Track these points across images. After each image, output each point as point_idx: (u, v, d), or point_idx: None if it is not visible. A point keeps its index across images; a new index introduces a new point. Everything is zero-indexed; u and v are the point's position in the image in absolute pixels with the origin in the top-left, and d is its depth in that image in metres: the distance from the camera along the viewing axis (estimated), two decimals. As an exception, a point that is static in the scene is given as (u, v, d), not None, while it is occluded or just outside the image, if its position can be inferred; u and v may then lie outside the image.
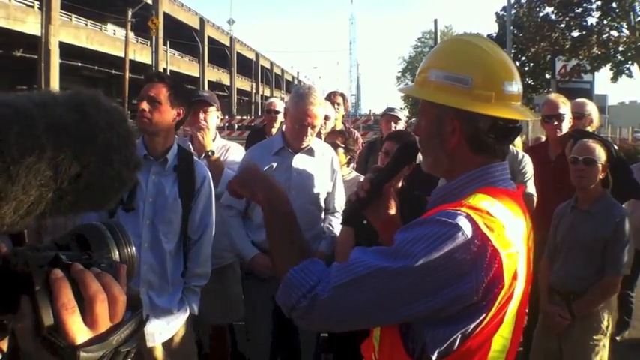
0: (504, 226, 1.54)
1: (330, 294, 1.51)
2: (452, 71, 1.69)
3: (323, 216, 4.09)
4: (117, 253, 1.01)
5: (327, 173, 3.99)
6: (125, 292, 0.93)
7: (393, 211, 2.02)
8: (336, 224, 3.99)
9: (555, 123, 4.90)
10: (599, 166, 3.82)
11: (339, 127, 6.54)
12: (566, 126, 4.92)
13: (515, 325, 1.67)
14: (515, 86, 1.72)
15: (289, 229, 1.75)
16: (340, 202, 4.06)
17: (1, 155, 0.80)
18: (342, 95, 6.85)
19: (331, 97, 6.62)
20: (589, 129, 5.21)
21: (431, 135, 1.74)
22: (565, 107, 4.95)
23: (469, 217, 1.50)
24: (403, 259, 1.48)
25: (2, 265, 0.90)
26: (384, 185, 1.98)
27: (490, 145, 1.68)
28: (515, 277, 1.55)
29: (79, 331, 0.86)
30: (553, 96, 5.20)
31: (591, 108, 5.37)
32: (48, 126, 0.85)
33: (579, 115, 5.21)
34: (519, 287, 1.59)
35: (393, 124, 5.83)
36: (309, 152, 3.95)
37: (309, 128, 3.81)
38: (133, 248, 1.03)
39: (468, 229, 1.48)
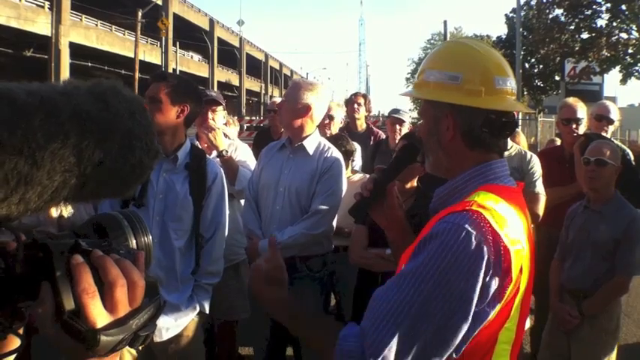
0: (510, 223, 1.58)
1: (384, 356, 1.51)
2: (444, 70, 1.76)
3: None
4: (134, 241, 1.04)
5: (316, 174, 3.86)
6: (143, 279, 0.95)
7: (397, 210, 2.07)
8: (307, 225, 3.80)
9: (573, 126, 5.01)
10: (611, 167, 3.82)
11: (363, 126, 6.59)
12: (582, 129, 5.03)
13: (520, 317, 1.71)
14: (508, 82, 1.77)
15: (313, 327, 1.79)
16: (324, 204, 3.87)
17: (27, 141, 0.82)
18: (364, 96, 6.91)
19: (352, 98, 6.70)
20: (610, 131, 5.24)
21: (430, 134, 1.80)
22: (582, 111, 5.09)
23: (479, 216, 1.54)
24: (424, 283, 1.50)
25: (24, 253, 0.91)
26: (388, 185, 2.03)
27: (484, 139, 1.74)
28: (521, 271, 1.59)
29: (99, 316, 0.88)
30: (571, 100, 5.28)
31: (614, 112, 5.36)
32: (72, 114, 0.87)
33: (600, 117, 5.23)
34: (524, 282, 1.63)
35: (397, 126, 5.88)
36: (304, 150, 3.89)
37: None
38: (150, 237, 1.07)
39: (478, 230, 1.51)
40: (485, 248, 1.50)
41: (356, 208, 2.05)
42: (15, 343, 1.02)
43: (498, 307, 1.56)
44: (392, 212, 2.06)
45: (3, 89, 0.83)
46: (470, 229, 1.51)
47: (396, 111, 6.25)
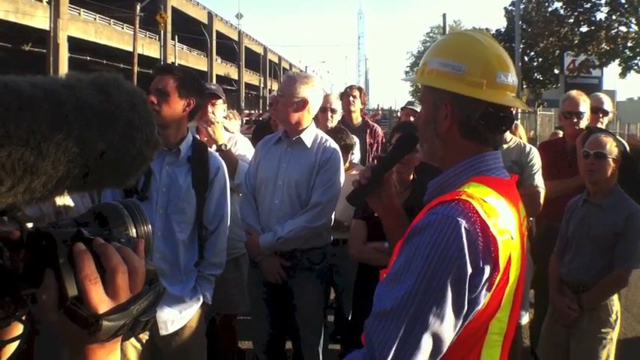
0: (499, 213, 1.60)
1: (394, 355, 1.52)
2: (447, 59, 1.79)
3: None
4: (134, 229, 1.06)
5: (315, 166, 3.87)
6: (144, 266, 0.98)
7: (394, 199, 2.10)
8: (307, 218, 3.81)
9: (575, 120, 5.02)
10: (610, 160, 3.83)
11: (358, 119, 6.57)
12: (584, 123, 5.04)
13: (512, 309, 1.73)
14: (510, 78, 1.80)
15: None
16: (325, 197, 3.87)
17: (33, 132, 0.84)
18: (359, 89, 6.89)
19: (347, 91, 6.68)
20: (605, 122, 5.28)
21: (427, 121, 1.83)
22: (585, 105, 5.10)
23: (468, 205, 1.56)
24: (420, 277, 1.53)
25: (27, 241, 0.94)
26: (385, 173, 2.06)
27: (480, 131, 1.76)
28: (509, 262, 1.61)
29: (101, 301, 0.91)
30: (574, 93, 5.28)
31: (608, 104, 5.39)
32: (75, 106, 0.90)
33: (596, 109, 5.26)
34: (514, 273, 1.65)
35: (412, 118, 5.88)
36: (301, 143, 3.90)
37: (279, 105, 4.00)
38: (149, 226, 1.09)
39: (467, 220, 1.54)
40: (474, 237, 1.53)
41: (354, 196, 2.08)
42: (18, 329, 1.04)
43: (488, 296, 1.58)
44: (389, 201, 2.09)
45: (9, 82, 0.86)
46: (459, 219, 1.54)
47: (411, 103, 6.29)
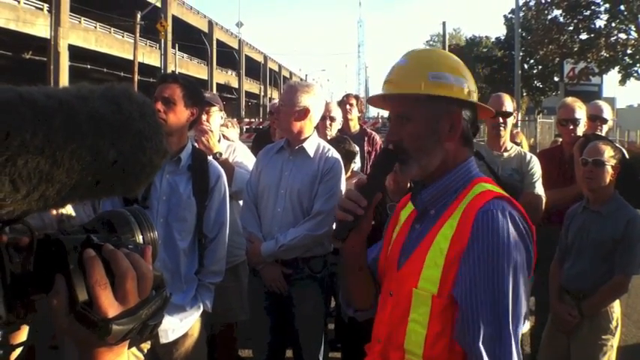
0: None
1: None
2: (452, 74, 1.87)
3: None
4: (140, 236, 1.09)
5: (317, 175, 3.87)
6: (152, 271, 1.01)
7: (371, 221, 1.99)
8: (310, 226, 3.81)
9: (571, 127, 5.00)
10: (609, 167, 3.84)
11: (356, 127, 6.57)
12: (581, 130, 5.02)
13: None
14: None
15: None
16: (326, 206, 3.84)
17: (48, 141, 0.86)
18: (356, 97, 6.90)
19: (344, 99, 6.70)
20: (604, 130, 5.28)
21: (426, 135, 1.83)
22: (581, 111, 5.06)
23: (509, 200, 1.72)
24: (501, 276, 1.65)
25: (37, 248, 0.96)
26: (374, 197, 1.91)
27: (471, 138, 1.90)
28: None
29: (110, 306, 0.94)
30: (569, 100, 5.27)
31: (607, 112, 5.41)
32: (88, 116, 0.92)
33: (594, 117, 5.27)
34: None
35: None
36: (304, 152, 3.91)
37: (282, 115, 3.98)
38: (155, 232, 1.12)
39: (517, 212, 1.69)
40: (526, 227, 1.69)
41: (344, 230, 1.89)
42: (25, 333, 1.06)
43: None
44: (368, 225, 1.96)
45: (24, 92, 0.87)
46: (510, 210, 1.68)
47: None
